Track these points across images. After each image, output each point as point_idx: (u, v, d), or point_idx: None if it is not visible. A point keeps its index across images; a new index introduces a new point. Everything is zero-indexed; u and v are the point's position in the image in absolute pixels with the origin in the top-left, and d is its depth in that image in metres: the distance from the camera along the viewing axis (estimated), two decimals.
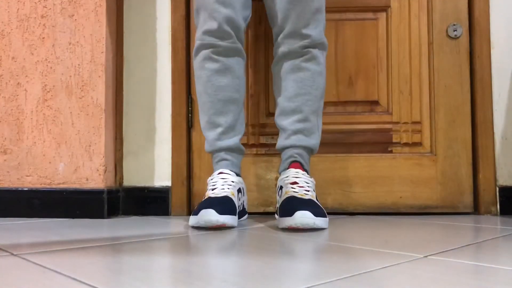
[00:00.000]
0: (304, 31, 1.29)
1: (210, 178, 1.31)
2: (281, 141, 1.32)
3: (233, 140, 1.34)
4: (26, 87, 1.50)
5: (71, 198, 1.45)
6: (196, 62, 1.34)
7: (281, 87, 1.32)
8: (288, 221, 1.10)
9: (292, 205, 1.13)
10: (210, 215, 1.13)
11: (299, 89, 1.31)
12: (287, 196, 1.20)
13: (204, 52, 1.31)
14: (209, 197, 1.22)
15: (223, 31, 1.28)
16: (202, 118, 1.35)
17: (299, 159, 1.30)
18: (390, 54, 1.59)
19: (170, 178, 1.58)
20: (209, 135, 1.33)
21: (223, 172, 1.30)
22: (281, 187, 1.28)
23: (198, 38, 1.32)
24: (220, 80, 1.31)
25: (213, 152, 1.34)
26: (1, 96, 1.50)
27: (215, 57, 1.30)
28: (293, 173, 1.26)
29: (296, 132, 1.30)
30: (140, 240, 1.01)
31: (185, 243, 0.98)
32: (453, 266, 0.73)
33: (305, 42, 1.29)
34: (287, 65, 1.32)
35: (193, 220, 1.18)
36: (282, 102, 1.32)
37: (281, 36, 1.31)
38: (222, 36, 1.29)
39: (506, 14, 1.56)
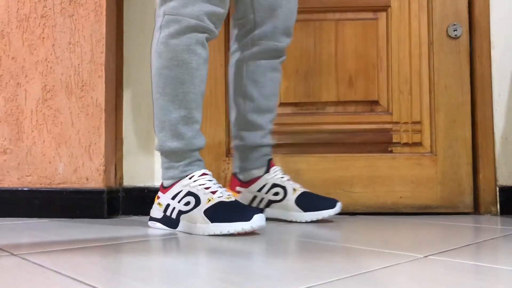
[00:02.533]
0: (290, 33, 1.35)
1: (192, 180, 1.14)
2: (257, 139, 1.34)
3: (204, 139, 1.20)
4: (26, 87, 1.50)
5: (71, 198, 1.45)
6: (181, 42, 1.13)
7: (259, 83, 1.34)
8: (329, 212, 1.27)
9: (319, 198, 1.31)
10: (262, 220, 1.05)
11: (274, 90, 1.37)
12: (303, 191, 1.32)
13: (198, 36, 1.14)
14: (229, 202, 1.10)
15: (222, 19, 1.18)
16: (175, 111, 1.14)
17: (272, 157, 1.39)
18: (390, 54, 1.59)
19: None
20: (186, 132, 1.15)
21: (207, 173, 1.16)
22: (276, 185, 1.33)
23: (192, 15, 1.12)
24: (205, 72, 1.18)
25: (185, 152, 1.16)
26: (1, 96, 1.50)
27: (206, 44, 1.17)
28: (281, 171, 1.36)
29: (270, 131, 1.37)
30: (140, 240, 1.01)
31: (185, 243, 0.97)
32: (453, 266, 0.73)
33: (286, 45, 1.35)
34: (265, 63, 1.33)
35: (238, 226, 1.03)
36: (259, 98, 1.34)
37: (264, 33, 1.31)
38: (219, 25, 1.18)
39: (506, 14, 1.56)
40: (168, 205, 1.16)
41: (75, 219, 1.40)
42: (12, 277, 0.67)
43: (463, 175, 1.54)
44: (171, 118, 1.14)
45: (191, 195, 1.12)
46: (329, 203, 1.29)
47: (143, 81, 1.61)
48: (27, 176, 1.48)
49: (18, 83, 1.50)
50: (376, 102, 1.59)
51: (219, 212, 1.07)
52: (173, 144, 1.15)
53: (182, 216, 1.12)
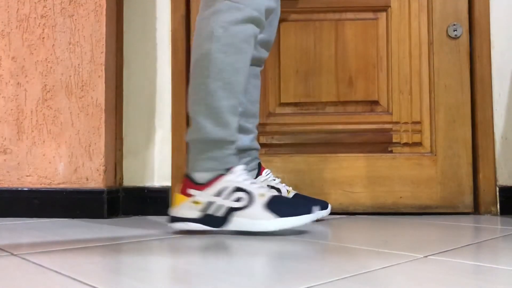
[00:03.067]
0: (270, 49, 1.39)
1: (236, 175, 1.09)
2: (248, 141, 1.35)
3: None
4: (26, 87, 1.50)
5: (71, 198, 1.45)
6: (242, 30, 1.10)
7: (246, 90, 1.33)
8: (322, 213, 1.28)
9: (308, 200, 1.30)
10: (320, 211, 1.17)
11: (258, 96, 1.40)
12: (295, 193, 1.35)
13: (255, 30, 1.12)
14: (284, 196, 1.15)
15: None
16: (226, 99, 1.09)
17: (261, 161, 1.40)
18: (390, 54, 1.59)
19: (170, 178, 1.58)
20: (232, 123, 1.10)
21: (245, 168, 1.14)
22: (273, 187, 1.34)
23: (255, 7, 1.10)
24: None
25: (228, 142, 1.10)
26: (1, 96, 1.50)
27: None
28: (271, 174, 1.38)
29: (256, 136, 1.39)
30: (140, 240, 1.01)
31: (185, 243, 0.97)
32: (453, 266, 0.73)
33: (267, 54, 1.39)
34: (251, 69, 1.32)
35: (305, 219, 1.06)
36: (247, 103, 1.34)
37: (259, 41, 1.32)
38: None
39: (506, 14, 1.56)
40: (210, 203, 1.07)
41: (75, 219, 1.40)
42: (12, 277, 0.67)
43: (463, 175, 1.54)
44: (220, 105, 1.08)
45: (241, 191, 1.07)
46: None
47: (143, 81, 1.61)
48: (27, 176, 1.48)
49: (18, 83, 1.50)
50: (376, 102, 1.59)
51: (284, 207, 1.06)
52: (219, 133, 1.09)
53: (236, 213, 1.06)
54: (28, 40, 1.51)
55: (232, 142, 1.11)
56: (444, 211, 1.53)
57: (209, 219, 1.07)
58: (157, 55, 1.61)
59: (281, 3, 1.34)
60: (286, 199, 1.11)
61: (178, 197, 1.10)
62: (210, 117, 1.09)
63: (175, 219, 1.10)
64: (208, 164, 1.09)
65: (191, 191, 1.09)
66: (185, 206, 1.09)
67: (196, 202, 1.08)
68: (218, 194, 1.07)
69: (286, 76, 1.59)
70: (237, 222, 1.06)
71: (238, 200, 1.06)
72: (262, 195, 1.07)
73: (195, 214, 1.08)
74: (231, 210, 1.06)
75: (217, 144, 1.09)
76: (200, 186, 1.09)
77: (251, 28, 1.10)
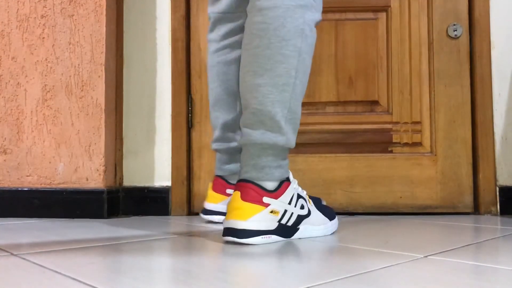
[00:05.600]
0: None
1: (295, 182, 1.04)
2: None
3: None
4: (26, 87, 1.50)
5: (71, 198, 1.45)
6: (315, 32, 1.01)
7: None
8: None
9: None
10: None
11: None
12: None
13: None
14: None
15: None
16: (301, 105, 1.01)
17: None
18: (390, 54, 1.59)
19: (170, 178, 1.58)
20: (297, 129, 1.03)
21: None
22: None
23: (320, 12, 1.03)
24: None
25: (288, 150, 1.02)
26: (1, 96, 1.50)
27: None
28: None
29: None
30: (140, 240, 1.01)
31: (185, 243, 0.97)
32: (453, 266, 0.73)
33: None
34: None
35: (337, 222, 1.11)
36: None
37: None
38: None
39: (506, 14, 1.56)
40: (285, 212, 0.98)
41: (75, 219, 1.40)
42: (12, 277, 0.67)
43: (463, 175, 1.54)
44: (298, 111, 1.00)
45: (301, 198, 1.01)
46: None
47: (143, 81, 1.61)
48: (27, 176, 1.48)
49: (18, 83, 1.50)
50: (376, 102, 1.59)
51: (326, 209, 1.09)
52: (294, 140, 1.00)
53: (304, 221, 1.01)
54: (28, 40, 1.51)
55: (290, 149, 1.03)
56: (444, 211, 1.53)
57: (282, 229, 0.98)
58: (157, 55, 1.61)
59: None
60: (317, 201, 1.12)
61: (249, 207, 0.94)
62: (291, 122, 0.97)
63: (251, 233, 0.93)
64: (277, 173, 0.98)
65: (267, 200, 0.95)
66: (264, 217, 0.95)
67: (273, 212, 0.96)
68: (290, 202, 0.99)
69: None
70: (303, 230, 1.02)
71: (302, 207, 1.01)
72: (309, 199, 1.05)
73: (273, 225, 0.96)
74: (300, 218, 1.00)
75: (285, 152, 1.00)
76: (272, 193, 0.96)
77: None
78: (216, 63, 1.30)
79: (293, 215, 0.99)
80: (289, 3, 0.95)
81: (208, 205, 1.32)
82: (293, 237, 1.00)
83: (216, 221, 1.30)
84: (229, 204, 0.96)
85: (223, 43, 1.30)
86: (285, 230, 0.98)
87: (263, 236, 0.94)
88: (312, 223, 1.03)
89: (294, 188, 1.00)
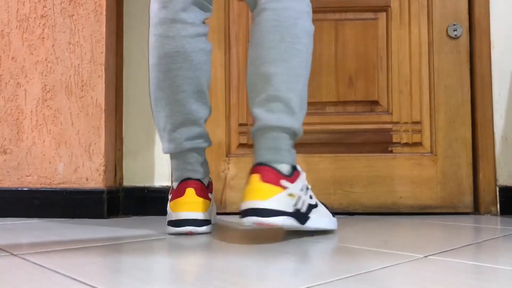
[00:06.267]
0: None
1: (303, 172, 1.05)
2: None
3: None
4: (26, 87, 1.50)
5: (71, 198, 1.45)
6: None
7: None
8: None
9: None
10: None
11: None
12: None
13: None
14: None
15: None
16: (306, 94, 1.08)
17: None
18: (390, 54, 1.59)
19: (170, 178, 1.58)
20: None
21: None
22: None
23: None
24: None
25: None
26: (1, 96, 1.50)
27: None
28: None
29: None
30: (140, 240, 1.01)
31: (185, 243, 0.97)
32: (453, 266, 0.73)
33: None
34: None
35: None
36: None
37: None
38: None
39: (506, 14, 1.56)
40: (299, 198, 0.97)
41: (75, 219, 1.40)
42: (12, 277, 0.67)
43: (463, 175, 1.54)
44: (306, 105, 1.06)
45: (308, 188, 1.03)
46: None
47: (143, 81, 1.61)
48: (27, 176, 1.48)
49: (18, 83, 1.50)
50: (376, 102, 1.59)
51: (327, 208, 1.11)
52: (301, 129, 1.04)
53: (313, 211, 1.02)
54: (28, 40, 1.51)
55: None
56: (444, 211, 1.53)
57: (298, 215, 0.97)
58: None
59: None
60: None
61: (269, 188, 0.93)
62: (302, 111, 1.03)
63: (272, 213, 0.91)
64: (291, 156, 1.00)
65: (284, 183, 0.95)
66: (283, 199, 0.93)
67: (291, 195, 0.95)
68: (302, 189, 0.99)
69: None
70: (314, 220, 1.01)
71: (311, 197, 1.02)
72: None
73: (291, 208, 0.95)
74: (310, 207, 1.01)
75: (295, 139, 1.02)
76: (288, 178, 0.96)
77: None
78: (199, 49, 1.12)
79: (305, 202, 0.99)
80: (300, 8, 1.04)
81: None
82: (305, 225, 0.98)
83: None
84: (247, 188, 0.95)
85: (202, 30, 1.13)
86: (300, 216, 0.97)
87: (286, 216, 0.93)
88: (320, 215, 1.04)
89: (304, 178, 1.02)
